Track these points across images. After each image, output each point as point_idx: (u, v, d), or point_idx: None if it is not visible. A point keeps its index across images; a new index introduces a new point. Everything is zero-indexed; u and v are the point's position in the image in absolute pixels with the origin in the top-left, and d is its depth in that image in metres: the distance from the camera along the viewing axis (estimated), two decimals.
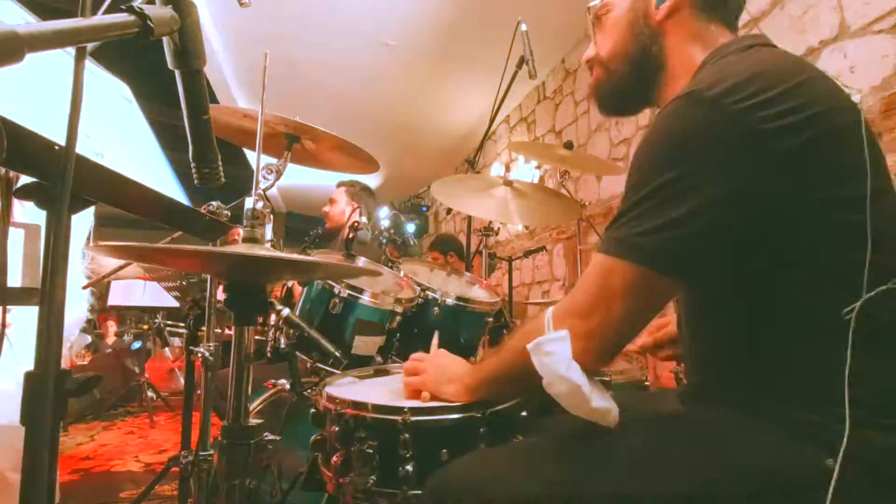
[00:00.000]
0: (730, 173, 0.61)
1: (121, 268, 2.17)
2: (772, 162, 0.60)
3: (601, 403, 0.66)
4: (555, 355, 0.66)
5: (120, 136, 0.84)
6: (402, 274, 1.59)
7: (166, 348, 4.57)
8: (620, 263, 0.65)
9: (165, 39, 0.57)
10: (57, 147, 0.56)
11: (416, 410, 0.83)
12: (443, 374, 0.91)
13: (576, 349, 0.66)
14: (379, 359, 1.41)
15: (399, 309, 1.41)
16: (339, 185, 2.78)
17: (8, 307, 0.69)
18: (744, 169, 0.61)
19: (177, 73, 0.61)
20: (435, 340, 1.14)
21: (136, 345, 4.37)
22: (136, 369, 4.05)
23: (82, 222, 1.74)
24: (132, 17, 0.50)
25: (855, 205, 0.62)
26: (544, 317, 0.71)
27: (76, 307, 1.98)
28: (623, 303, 0.65)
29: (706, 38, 0.78)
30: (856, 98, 0.67)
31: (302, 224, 8.56)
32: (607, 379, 1.24)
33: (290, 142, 1.47)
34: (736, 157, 0.61)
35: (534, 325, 0.72)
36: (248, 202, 0.80)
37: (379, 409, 0.85)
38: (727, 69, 0.66)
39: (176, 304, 3.93)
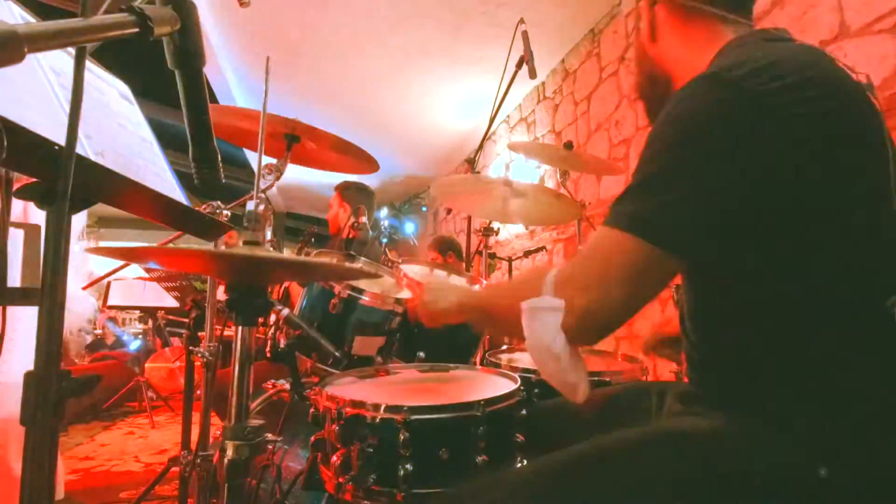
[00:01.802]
0: (745, 153, 0.60)
1: (120, 268, 2.17)
2: (788, 146, 0.60)
3: (573, 378, 0.68)
4: (545, 324, 0.66)
5: (120, 136, 0.84)
6: (402, 274, 1.59)
7: (166, 348, 4.57)
8: (625, 237, 0.63)
9: (165, 39, 0.57)
10: (57, 147, 0.56)
11: (415, 410, 0.83)
12: (441, 289, 0.94)
13: (569, 321, 0.65)
14: (379, 359, 1.41)
15: (399, 309, 1.41)
16: (335, 188, 2.77)
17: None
18: (760, 150, 0.60)
19: (177, 72, 0.61)
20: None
21: (136, 346, 4.37)
22: (136, 369, 4.05)
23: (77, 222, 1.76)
24: (132, 17, 0.50)
25: (870, 201, 0.62)
26: (547, 277, 0.69)
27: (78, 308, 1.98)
28: (623, 281, 0.64)
29: (701, 38, 0.80)
30: (863, 79, 0.66)
31: (302, 224, 8.57)
32: (607, 379, 1.23)
33: (290, 142, 1.47)
34: (753, 137, 0.60)
35: (535, 279, 0.70)
36: (250, 204, 0.80)
37: (378, 408, 0.85)
38: (747, 55, 0.66)
39: (176, 303, 3.93)
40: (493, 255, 2.45)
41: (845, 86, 0.64)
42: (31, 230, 0.77)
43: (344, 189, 2.73)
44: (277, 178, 1.37)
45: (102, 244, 0.68)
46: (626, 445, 0.68)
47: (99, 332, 4.84)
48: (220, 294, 1.50)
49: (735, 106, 0.61)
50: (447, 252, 3.09)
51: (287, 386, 1.40)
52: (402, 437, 0.81)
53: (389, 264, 1.65)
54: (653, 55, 0.88)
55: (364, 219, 1.61)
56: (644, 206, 0.63)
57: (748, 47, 0.71)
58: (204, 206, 1.42)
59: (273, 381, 1.56)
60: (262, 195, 1.23)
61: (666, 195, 0.62)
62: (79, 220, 1.77)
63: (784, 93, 0.60)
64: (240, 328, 0.80)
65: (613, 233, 0.65)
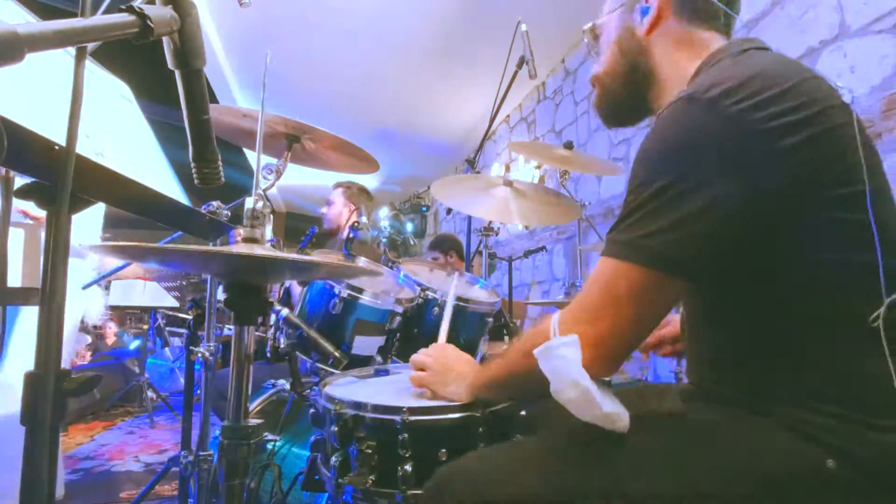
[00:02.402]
0: (730, 172, 0.61)
1: (121, 268, 2.17)
2: (772, 161, 0.61)
3: (611, 408, 0.66)
4: (565, 360, 0.65)
5: (120, 136, 0.84)
6: (402, 274, 1.59)
7: (166, 348, 4.58)
8: (626, 266, 0.65)
9: (165, 39, 0.57)
10: (57, 147, 0.56)
11: (414, 410, 0.83)
12: (447, 372, 0.92)
13: (585, 357, 0.65)
14: (379, 359, 1.41)
15: (399, 309, 1.41)
16: (336, 186, 2.78)
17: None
18: (744, 168, 0.61)
19: (177, 72, 0.61)
20: (442, 336, 1.14)
21: (136, 346, 4.37)
22: (136, 369, 4.04)
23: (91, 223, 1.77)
24: (132, 17, 0.50)
25: (856, 204, 0.62)
26: (550, 322, 0.70)
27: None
28: (630, 307, 0.65)
29: (695, 45, 0.81)
30: (847, 98, 0.67)
31: (302, 224, 8.57)
32: (607, 379, 1.23)
33: (290, 142, 1.47)
34: (736, 156, 0.61)
35: (540, 329, 0.71)
36: (249, 202, 0.80)
37: (378, 408, 0.85)
38: (723, 73, 0.67)
39: (176, 303, 3.94)
40: (493, 255, 2.45)
41: (822, 93, 0.65)
42: (31, 230, 0.77)
43: (347, 188, 2.74)
44: (277, 178, 1.37)
45: (101, 243, 0.68)
46: (647, 428, 0.70)
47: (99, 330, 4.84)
48: (220, 294, 1.51)
49: (715, 126, 0.62)
50: (448, 250, 3.08)
51: (287, 386, 1.40)
52: (401, 438, 0.81)
53: (390, 264, 1.65)
54: (644, 44, 0.85)
55: (364, 219, 1.61)
56: (639, 234, 0.64)
57: (724, 63, 0.72)
58: (204, 206, 1.42)
59: (273, 380, 1.56)
60: (262, 194, 1.23)
61: (659, 220, 0.63)
62: (95, 226, 1.79)
63: (761, 108, 0.61)
64: (238, 328, 0.80)
65: (613, 263, 0.66)
